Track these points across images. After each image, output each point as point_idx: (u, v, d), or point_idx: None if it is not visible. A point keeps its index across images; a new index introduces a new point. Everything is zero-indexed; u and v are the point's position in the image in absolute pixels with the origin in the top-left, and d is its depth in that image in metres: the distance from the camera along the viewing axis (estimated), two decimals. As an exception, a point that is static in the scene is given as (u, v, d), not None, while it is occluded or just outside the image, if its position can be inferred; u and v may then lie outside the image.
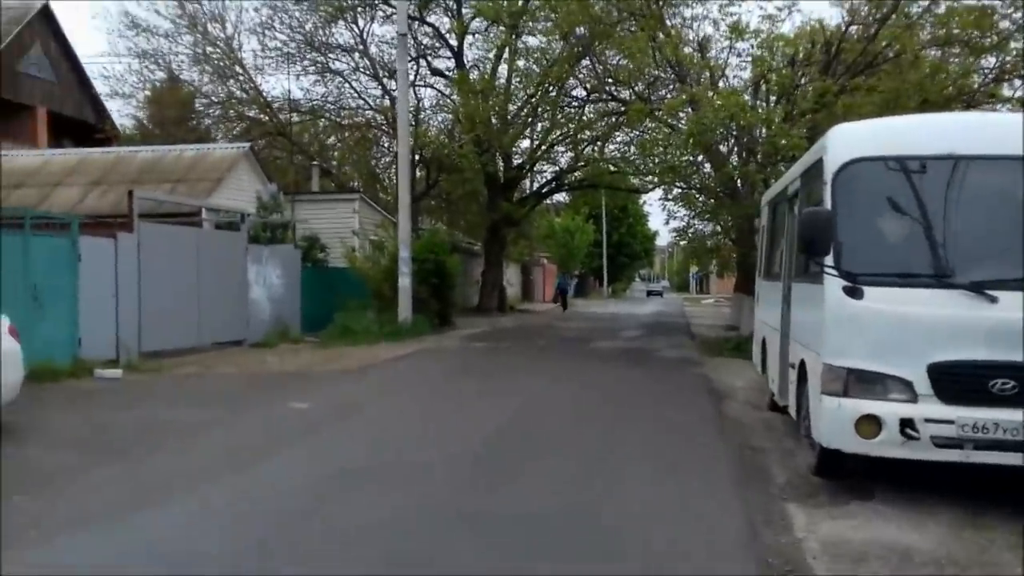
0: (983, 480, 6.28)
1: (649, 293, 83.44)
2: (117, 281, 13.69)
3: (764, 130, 15.53)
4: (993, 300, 5.70)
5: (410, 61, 30.62)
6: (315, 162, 29.18)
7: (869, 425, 5.88)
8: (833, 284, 6.12)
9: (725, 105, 14.55)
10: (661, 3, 17.54)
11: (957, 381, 5.77)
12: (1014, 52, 15.65)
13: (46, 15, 28.74)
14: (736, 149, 18.18)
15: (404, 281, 20.18)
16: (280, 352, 16.65)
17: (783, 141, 14.44)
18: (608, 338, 21.54)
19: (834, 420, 6.08)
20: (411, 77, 31.12)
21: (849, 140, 6.64)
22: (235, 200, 21.67)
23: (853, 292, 6.04)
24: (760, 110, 16.09)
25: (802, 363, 7.22)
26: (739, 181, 18.47)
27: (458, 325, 24.54)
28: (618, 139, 30.90)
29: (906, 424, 5.79)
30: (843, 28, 17.13)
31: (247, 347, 17.25)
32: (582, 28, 18.23)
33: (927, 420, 5.77)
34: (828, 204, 6.32)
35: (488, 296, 32.13)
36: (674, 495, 6.36)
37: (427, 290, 23.01)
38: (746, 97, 15.98)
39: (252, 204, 21.39)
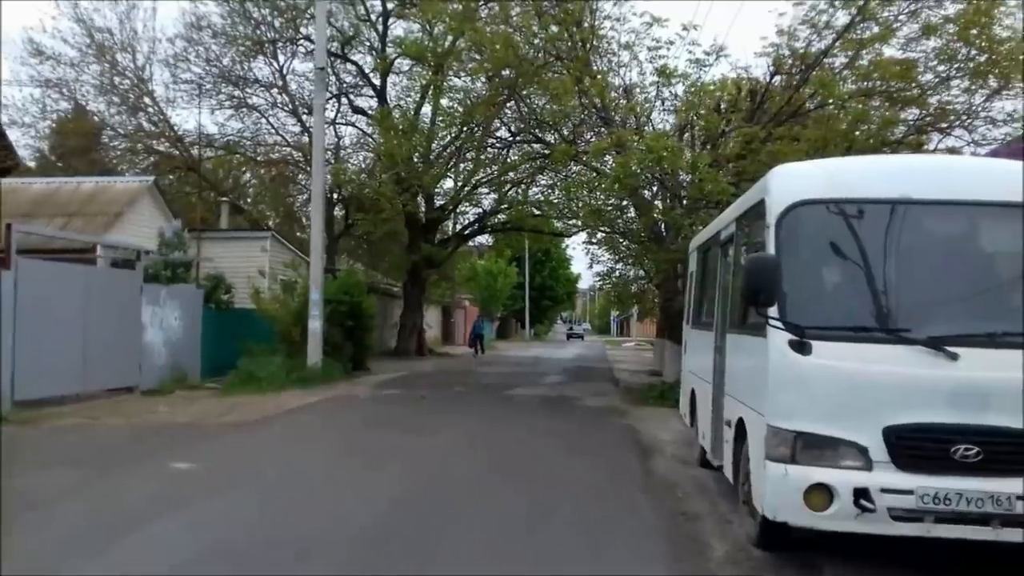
0: (938, 549, 5.72)
1: (569, 336, 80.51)
2: (-12, 322, 12.32)
3: (690, 175, 15.20)
4: (953, 357, 5.17)
5: (331, 98, 29.85)
6: (224, 198, 27.84)
7: (819, 495, 5.27)
8: (778, 338, 5.53)
9: (652, 147, 14.15)
10: (588, 48, 17.21)
11: (916, 446, 5.21)
12: (933, 105, 15.76)
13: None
14: (661, 194, 17.86)
15: (314, 324, 19.09)
16: (174, 400, 15.37)
17: (709, 186, 14.09)
18: (529, 384, 20.81)
19: (780, 489, 5.44)
20: (331, 114, 30.37)
21: (794, 180, 6.12)
22: (137, 236, 20.35)
23: (800, 347, 5.45)
24: (687, 155, 15.79)
25: (740, 422, 6.60)
26: (663, 226, 18.15)
27: (374, 370, 23.48)
28: (542, 182, 30.73)
29: (860, 495, 5.19)
30: (768, 77, 17.08)
31: (139, 394, 15.92)
32: (508, 71, 17.71)
33: (883, 490, 5.18)
34: (771, 250, 5.76)
35: (406, 339, 31.13)
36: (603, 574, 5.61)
37: (341, 333, 21.94)
38: (673, 140, 15.62)
39: (155, 241, 20.13)
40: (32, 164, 32.12)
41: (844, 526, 5.30)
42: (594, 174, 17.94)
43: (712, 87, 16.33)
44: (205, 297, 19.55)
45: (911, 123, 16.13)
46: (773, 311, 5.56)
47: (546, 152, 19.99)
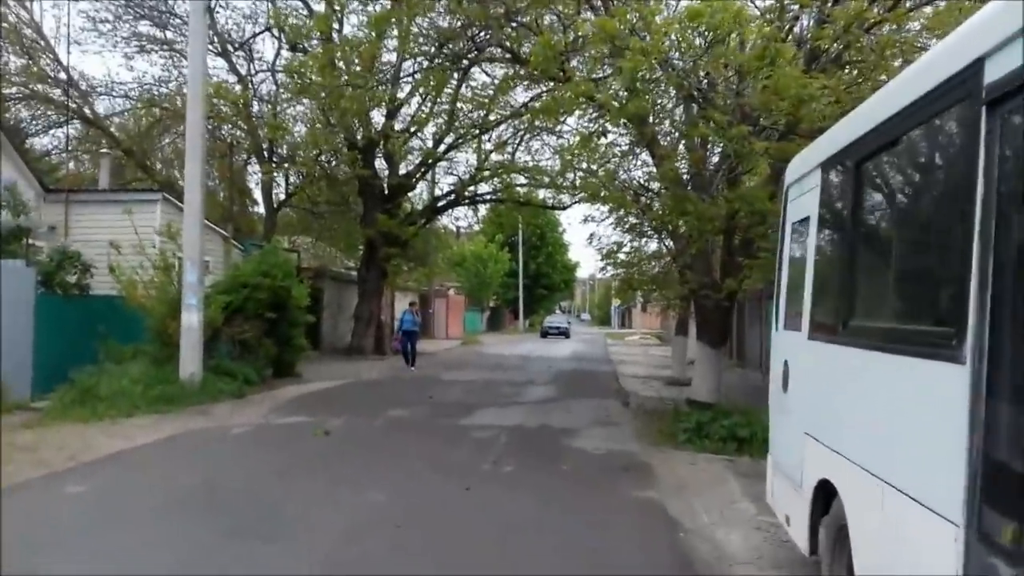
0: None
1: (546, 333, 54.31)
2: None
3: (759, 79, 9.33)
4: None
5: (262, 32, 24.18)
6: (105, 149, 21.88)
7: None
8: None
9: (700, 14, 8.37)
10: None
11: None
12: None
13: None
14: (689, 113, 11.84)
15: (190, 318, 13.35)
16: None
17: (793, 91, 8.38)
18: (503, 403, 14.98)
19: None
20: (270, 57, 24.68)
21: None
22: (-32, 195, 14.66)
23: None
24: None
25: None
26: (690, 177, 12.45)
27: (305, 376, 17.81)
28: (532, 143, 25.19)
29: None
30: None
31: None
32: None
33: None
34: None
35: (362, 334, 25.29)
36: None
37: (257, 329, 16.32)
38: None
39: (-16, 200, 14.43)
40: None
41: None
42: (589, 102, 11.91)
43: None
44: (44, 279, 13.79)
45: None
46: None
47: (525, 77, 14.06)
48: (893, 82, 4.09)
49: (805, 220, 5.25)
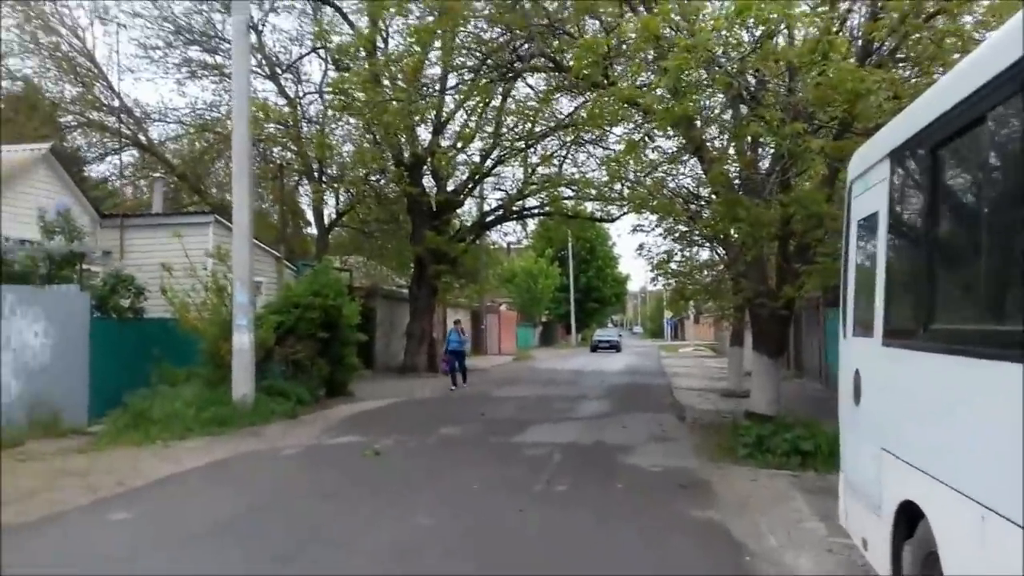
0: None
1: (596, 347, 52.48)
2: None
3: (808, 72, 8.92)
4: None
5: (308, 52, 24.38)
6: (158, 174, 22.22)
7: None
8: None
9: (748, 6, 8.02)
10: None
11: None
12: None
13: None
14: (737, 116, 11.37)
15: (241, 339, 13.31)
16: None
17: (849, 84, 7.97)
18: (556, 418, 14.69)
19: None
20: (318, 77, 24.87)
21: None
22: (26, 221, 14.93)
23: None
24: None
25: None
26: (741, 182, 12.00)
27: (358, 395, 17.70)
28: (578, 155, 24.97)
29: None
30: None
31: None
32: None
33: None
34: None
35: (415, 352, 25.18)
36: None
37: (310, 348, 16.25)
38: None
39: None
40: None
41: None
42: (633, 107, 11.59)
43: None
44: (98, 303, 13.94)
45: None
46: None
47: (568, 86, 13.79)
48: (973, 54, 3.72)
49: (873, 216, 4.87)
